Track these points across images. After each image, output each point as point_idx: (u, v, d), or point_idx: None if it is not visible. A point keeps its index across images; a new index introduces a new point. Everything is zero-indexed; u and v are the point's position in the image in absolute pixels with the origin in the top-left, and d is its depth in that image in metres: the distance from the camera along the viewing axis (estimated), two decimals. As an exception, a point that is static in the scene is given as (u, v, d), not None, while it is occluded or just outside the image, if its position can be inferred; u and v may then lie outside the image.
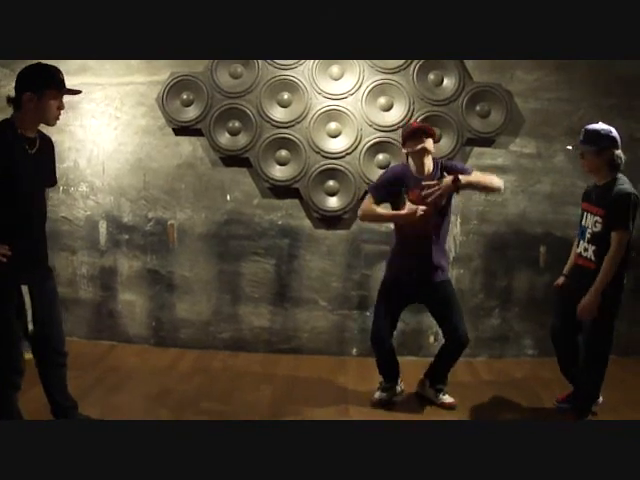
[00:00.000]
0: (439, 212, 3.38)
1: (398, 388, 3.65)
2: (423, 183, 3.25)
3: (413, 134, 3.35)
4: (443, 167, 3.41)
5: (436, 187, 3.19)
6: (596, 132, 3.12)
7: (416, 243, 3.40)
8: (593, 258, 3.16)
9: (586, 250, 3.23)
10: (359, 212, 3.55)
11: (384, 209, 3.45)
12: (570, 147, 3.28)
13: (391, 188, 3.40)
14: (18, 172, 2.59)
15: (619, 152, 3.11)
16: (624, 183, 3.09)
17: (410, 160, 3.42)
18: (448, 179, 3.22)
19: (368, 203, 3.44)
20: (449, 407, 3.53)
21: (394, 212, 3.41)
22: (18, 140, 2.60)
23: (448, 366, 3.58)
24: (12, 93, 2.62)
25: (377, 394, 3.58)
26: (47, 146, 2.83)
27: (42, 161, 2.76)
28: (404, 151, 3.43)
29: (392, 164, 4.17)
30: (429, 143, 3.34)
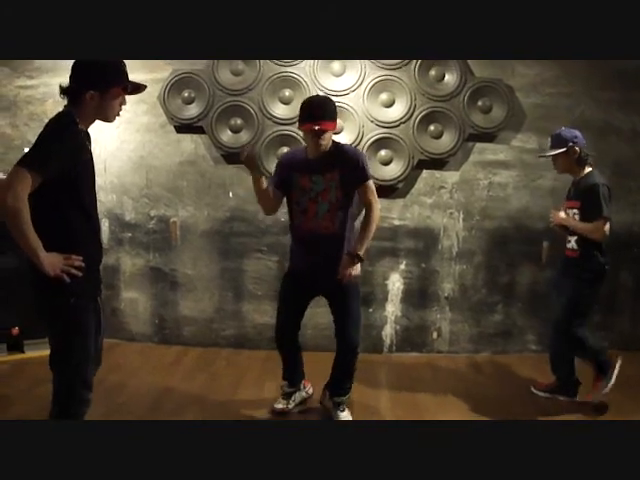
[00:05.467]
0: (339, 208, 3.07)
1: (303, 394, 3.48)
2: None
3: (309, 114, 2.93)
4: (339, 155, 3.04)
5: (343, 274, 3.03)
6: (560, 136, 3.38)
7: (311, 240, 3.13)
8: (576, 247, 3.40)
9: (569, 242, 3.46)
10: None
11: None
12: (541, 156, 3.64)
13: (282, 174, 3.16)
14: (87, 171, 2.30)
15: (583, 149, 3.35)
16: (594, 176, 3.34)
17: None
18: (347, 258, 3.04)
19: None
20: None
21: None
22: (84, 136, 2.31)
23: (343, 375, 3.30)
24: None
25: (277, 401, 3.40)
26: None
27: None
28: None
29: (394, 160, 4.17)
30: (327, 127, 2.91)
